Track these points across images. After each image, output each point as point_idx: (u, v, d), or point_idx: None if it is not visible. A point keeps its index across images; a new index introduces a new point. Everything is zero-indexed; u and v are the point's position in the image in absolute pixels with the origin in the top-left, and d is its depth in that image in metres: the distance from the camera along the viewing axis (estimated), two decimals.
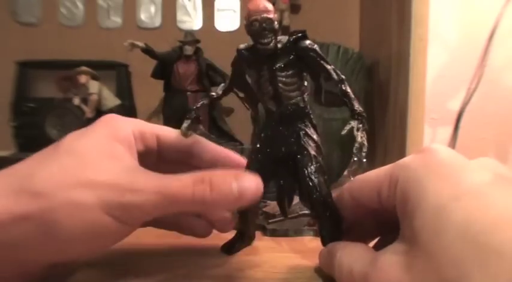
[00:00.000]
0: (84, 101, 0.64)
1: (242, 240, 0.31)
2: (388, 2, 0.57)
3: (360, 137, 0.24)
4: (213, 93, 0.29)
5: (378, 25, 0.65)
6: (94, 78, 0.66)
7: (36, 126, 0.62)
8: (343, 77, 0.26)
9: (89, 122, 0.30)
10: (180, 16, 0.78)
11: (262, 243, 0.34)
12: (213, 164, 0.29)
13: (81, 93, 0.65)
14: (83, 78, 0.64)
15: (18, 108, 0.68)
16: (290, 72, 0.26)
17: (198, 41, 0.64)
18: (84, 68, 0.65)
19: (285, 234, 0.37)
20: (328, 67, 0.26)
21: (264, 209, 0.40)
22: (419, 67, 0.48)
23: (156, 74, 0.65)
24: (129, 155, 0.25)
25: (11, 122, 0.67)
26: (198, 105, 0.29)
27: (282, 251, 0.32)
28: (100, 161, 0.23)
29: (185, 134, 0.28)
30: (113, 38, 0.76)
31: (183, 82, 0.61)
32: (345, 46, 0.61)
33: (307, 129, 0.27)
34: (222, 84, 0.30)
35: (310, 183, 0.26)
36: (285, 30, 0.76)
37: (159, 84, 0.64)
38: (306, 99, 0.27)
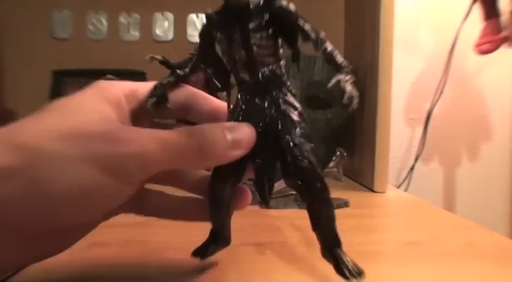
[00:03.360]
0: None
1: (216, 242, 0.27)
2: (363, 14, 0.67)
3: (348, 88, 0.22)
4: (180, 72, 0.26)
5: (357, 35, 0.72)
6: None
7: None
8: (324, 35, 0.23)
9: None
10: (190, 31, 0.86)
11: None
12: (213, 117, 0.26)
13: None
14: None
15: None
16: (265, 33, 0.23)
17: None
18: (109, 76, 0.74)
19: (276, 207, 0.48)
20: (307, 27, 0.22)
21: None
22: (385, 72, 0.59)
23: None
24: (118, 115, 0.23)
25: None
26: (164, 82, 0.25)
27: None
28: (88, 116, 0.21)
29: (152, 114, 0.25)
30: (132, 49, 0.84)
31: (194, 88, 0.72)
32: None
33: (286, 98, 0.24)
34: (189, 62, 0.26)
35: (296, 151, 0.23)
36: None
37: None
38: (282, 66, 0.24)
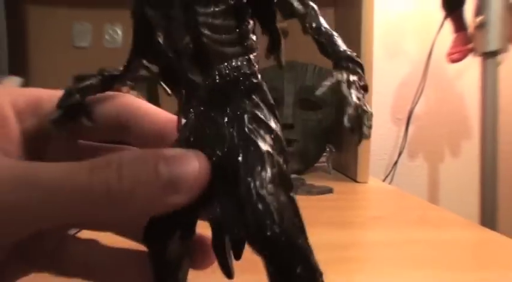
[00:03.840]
0: None
1: None
2: (348, 26, 0.77)
3: (355, 96, 0.15)
4: (109, 71, 0.18)
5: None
6: (133, 89, 0.87)
7: None
8: (316, 8, 0.15)
9: None
10: None
11: None
12: (160, 141, 0.18)
13: None
14: (124, 89, 0.85)
15: None
16: (221, 7, 0.15)
17: None
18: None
19: None
20: None
21: None
22: (366, 77, 0.68)
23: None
24: None
25: None
26: (81, 86, 0.17)
27: None
28: None
29: (57, 132, 0.17)
30: None
31: None
32: (320, 66, 0.81)
33: (257, 111, 0.15)
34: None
35: (261, 207, 0.13)
36: None
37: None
38: (254, 61, 0.15)
